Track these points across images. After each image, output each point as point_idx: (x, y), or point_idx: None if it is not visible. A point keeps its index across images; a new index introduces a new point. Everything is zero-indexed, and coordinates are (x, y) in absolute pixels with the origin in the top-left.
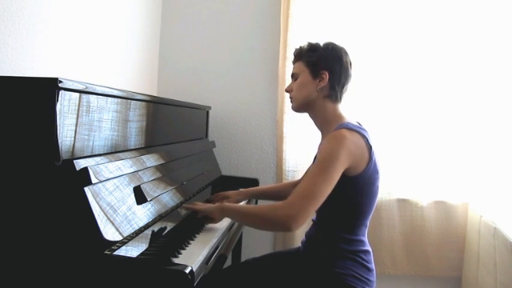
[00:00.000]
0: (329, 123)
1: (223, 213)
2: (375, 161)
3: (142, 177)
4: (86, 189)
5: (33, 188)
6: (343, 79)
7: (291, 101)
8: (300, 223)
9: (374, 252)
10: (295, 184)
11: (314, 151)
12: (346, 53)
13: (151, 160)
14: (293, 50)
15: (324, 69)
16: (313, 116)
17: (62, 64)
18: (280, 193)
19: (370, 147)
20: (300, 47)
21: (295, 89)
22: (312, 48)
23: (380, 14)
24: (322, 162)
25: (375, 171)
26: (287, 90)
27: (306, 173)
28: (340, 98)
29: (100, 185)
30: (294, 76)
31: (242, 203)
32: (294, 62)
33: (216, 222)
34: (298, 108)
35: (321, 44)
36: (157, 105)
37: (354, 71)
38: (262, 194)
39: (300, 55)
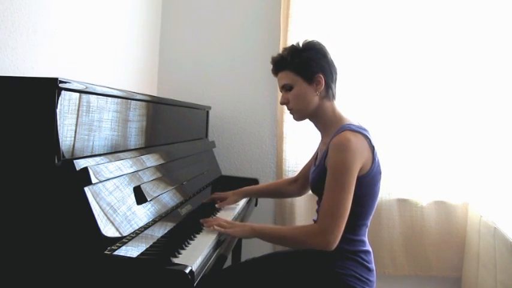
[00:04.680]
0: (330, 124)
1: (253, 235)
2: (378, 162)
3: (142, 177)
4: (86, 189)
5: (34, 188)
6: (334, 74)
7: (292, 113)
8: (338, 241)
9: (374, 252)
10: (292, 182)
11: (314, 151)
12: (325, 47)
13: (151, 160)
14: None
15: (316, 72)
16: (315, 120)
17: (61, 64)
18: (277, 191)
19: (373, 148)
20: (279, 55)
21: (294, 101)
22: (294, 53)
23: (380, 14)
24: (336, 176)
25: (378, 172)
26: (283, 103)
27: (302, 169)
28: (335, 95)
29: (100, 185)
30: (285, 87)
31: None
32: (276, 72)
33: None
34: (302, 118)
35: (300, 46)
36: (157, 105)
37: (354, 71)
38: (260, 193)
39: (284, 63)
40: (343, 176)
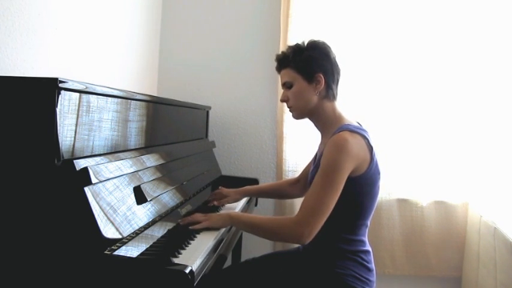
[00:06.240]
0: (330, 124)
1: (231, 222)
2: (376, 162)
3: (142, 177)
4: (86, 189)
5: (34, 188)
6: (336, 75)
7: (291, 111)
8: (312, 237)
9: (374, 252)
10: (293, 183)
11: (314, 151)
12: (330, 48)
13: (151, 160)
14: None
15: (317, 71)
16: (315, 120)
17: (61, 64)
18: (279, 192)
19: (371, 148)
20: (283, 52)
21: (293, 98)
22: (297, 51)
23: (380, 14)
24: (326, 173)
25: (377, 172)
26: (283, 100)
27: (304, 170)
28: (337, 95)
29: (100, 185)
30: (286, 84)
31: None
32: (279, 69)
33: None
34: (300, 116)
35: (304, 44)
36: (157, 105)
37: (354, 71)
38: (261, 193)
39: (287, 61)
40: (333, 173)
